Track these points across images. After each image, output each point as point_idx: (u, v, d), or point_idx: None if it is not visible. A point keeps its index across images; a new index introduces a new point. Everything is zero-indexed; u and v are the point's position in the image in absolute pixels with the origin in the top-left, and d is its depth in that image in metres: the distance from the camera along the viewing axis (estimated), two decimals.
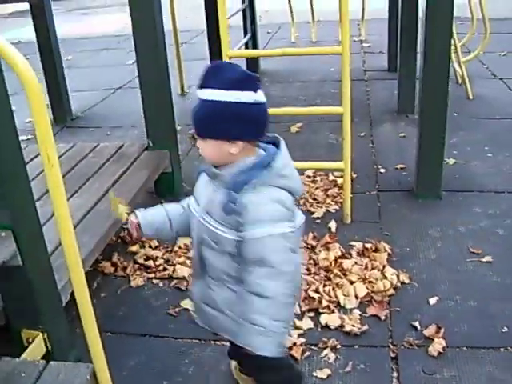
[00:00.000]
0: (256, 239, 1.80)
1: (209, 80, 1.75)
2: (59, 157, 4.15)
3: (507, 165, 4.71)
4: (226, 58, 3.60)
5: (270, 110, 4.16)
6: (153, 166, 4.17)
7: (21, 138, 2.16)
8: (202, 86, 1.78)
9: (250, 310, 1.88)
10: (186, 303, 3.22)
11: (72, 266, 2.07)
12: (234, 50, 4.15)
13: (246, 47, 7.13)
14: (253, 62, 7.67)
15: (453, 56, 5.81)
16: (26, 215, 2.44)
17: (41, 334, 2.61)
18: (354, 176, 4.43)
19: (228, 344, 2.52)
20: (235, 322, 1.96)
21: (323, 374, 2.68)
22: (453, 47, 5.52)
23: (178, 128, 5.73)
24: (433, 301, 3.14)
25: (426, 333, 2.88)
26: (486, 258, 3.48)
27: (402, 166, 4.73)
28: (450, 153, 4.80)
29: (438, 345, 2.79)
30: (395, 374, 2.68)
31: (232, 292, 1.98)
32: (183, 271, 3.46)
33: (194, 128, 1.85)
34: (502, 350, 2.80)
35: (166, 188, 4.45)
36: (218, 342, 2.94)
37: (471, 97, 6.29)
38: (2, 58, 1.78)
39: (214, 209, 1.88)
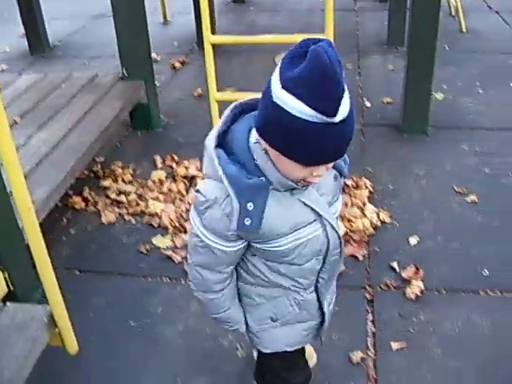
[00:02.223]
0: None
1: (338, 95, 1.22)
2: (29, 88, 3.98)
3: (498, 101, 4.54)
4: None
5: (252, 38, 4.01)
6: (127, 97, 3.98)
7: None
8: (336, 111, 1.22)
9: None
10: (158, 241, 3.12)
11: (22, 208, 1.92)
12: None
13: None
14: None
15: None
16: None
17: (1, 273, 2.49)
18: None
19: None
20: None
21: None
22: None
23: (158, 58, 5.54)
24: (413, 241, 3.03)
25: (404, 274, 2.78)
26: (472, 198, 3.36)
27: (389, 100, 4.55)
28: (439, 88, 4.63)
29: (415, 287, 2.69)
30: (370, 317, 2.59)
31: None
32: (156, 207, 3.32)
33: (336, 156, 1.36)
34: (481, 293, 2.71)
35: (143, 120, 4.28)
36: (188, 282, 2.83)
37: (464, 30, 6.06)
38: None
39: (329, 192, 1.57)
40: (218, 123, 1.47)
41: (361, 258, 2.91)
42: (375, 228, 3.11)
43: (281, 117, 1.25)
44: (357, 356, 2.38)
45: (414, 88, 3.98)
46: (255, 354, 2.43)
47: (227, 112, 1.47)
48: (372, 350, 2.43)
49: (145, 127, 4.29)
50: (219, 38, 3.41)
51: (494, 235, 3.07)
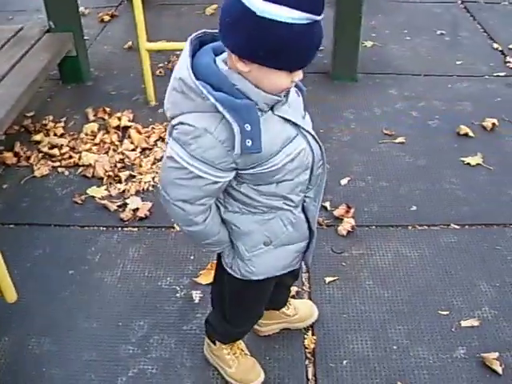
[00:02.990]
0: None
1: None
2: None
3: (424, 48, 4.67)
4: None
5: None
6: (55, 49, 3.88)
7: None
8: (323, 8, 1.30)
9: None
10: (92, 191, 3.12)
11: None
12: None
13: None
14: None
15: None
16: None
17: None
18: None
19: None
20: None
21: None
22: None
23: (86, 12, 5.42)
24: (344, 181, 3.13)
25: (336, 213, 2.88)
26: (399, 140, 3.48)
27: (320, 47, 4.59)
28: (368, 35, 4.73)
29: (346, 224, 2.80)
30: None
31: None
32: (89, 158, 3.30)
33: (307, 60, 1.39)
34: (409, 227, 2.84)
35: (72, 73, 4.19)
36: (125, 229, 2.86)
37: None
38: None
39: (298, 107, 1.61)
40: (182, 57, 1.41)
41: None
42: None
43: (271, 29, 1.25)
44: (292, 290, 2.46)
45: (343, 36, 4.05)
46: (195, 295, 2.50)
47: (188, 46, 1.42)
48: (307, 284, 2.53)
49: (75, 81, 4.21)
50: None
51: (421, 173, 3.21)
